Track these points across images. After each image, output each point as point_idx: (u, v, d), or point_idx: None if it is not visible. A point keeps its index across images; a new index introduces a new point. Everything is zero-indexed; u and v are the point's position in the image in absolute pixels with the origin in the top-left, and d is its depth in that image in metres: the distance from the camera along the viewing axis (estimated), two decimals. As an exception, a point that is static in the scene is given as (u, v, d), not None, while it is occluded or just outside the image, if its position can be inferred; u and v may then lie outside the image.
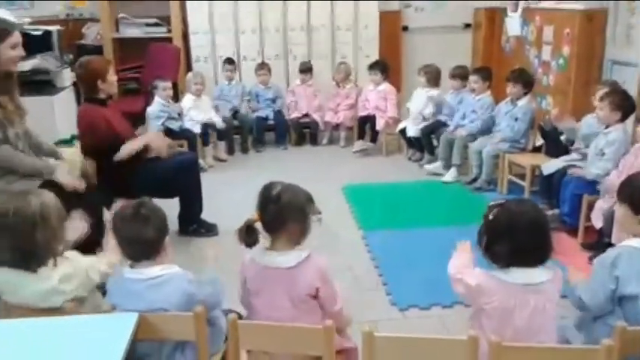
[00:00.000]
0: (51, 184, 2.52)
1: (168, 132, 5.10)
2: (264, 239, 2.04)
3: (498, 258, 1.91)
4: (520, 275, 1.89)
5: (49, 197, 2.04)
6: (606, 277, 2.02)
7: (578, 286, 2.09)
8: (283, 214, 1.97)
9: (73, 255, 2.12)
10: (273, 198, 1.98)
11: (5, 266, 1.97)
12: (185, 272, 1.98)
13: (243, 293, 2.10)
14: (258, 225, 2.03)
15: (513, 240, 1.87)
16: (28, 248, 1.95)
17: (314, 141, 6.03)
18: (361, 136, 5.81)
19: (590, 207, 3.57)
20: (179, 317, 1.88)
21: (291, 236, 2.00)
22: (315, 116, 5.97)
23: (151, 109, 5.11)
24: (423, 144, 5.39)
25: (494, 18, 6.42)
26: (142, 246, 1.93)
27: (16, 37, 2.78)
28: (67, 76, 4.97)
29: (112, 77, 3.52)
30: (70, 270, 2.03)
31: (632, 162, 3.38)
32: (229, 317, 1.87)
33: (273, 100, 6.01)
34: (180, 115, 5.32)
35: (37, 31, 4.98)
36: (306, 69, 5.97)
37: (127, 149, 3.49)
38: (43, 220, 1.97)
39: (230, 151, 5.79)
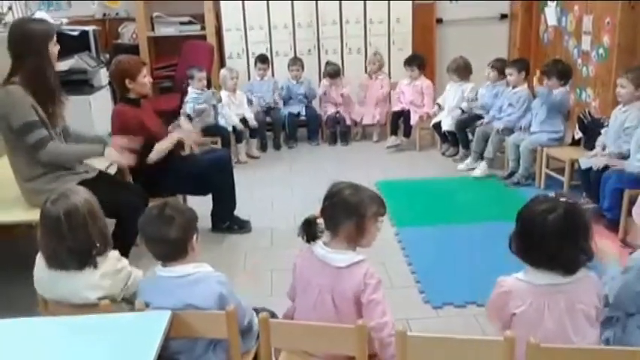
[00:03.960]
0: (85, 185, 2.56)
1: (203, 128, 5.14)
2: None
3: (527, 260, 1.87)
4: (545, 276, 1.82)
5: (87, 192, 2.08)
6: (635, 278, 1.94)
7: (608, 282, 2.01)
8: (336, 211, 1.96)
9: (117, 255, 2.15)
10: (331, 194, 1.98)
11: (64, 270, 2.00)
12: (218, 274, 1.98)
13: (293, 283, 2.10)
14: (321, 222, 2.02)
15: (542, 246, 1.79)
16: (85, 246, 1.99)
17: (344, 138, 5.98)
18: (394, 132, 5.74)
19: (632, 202, 3.45)
20: (211, 315, 1.88)
21: (347, 236, 1.96)
22: (344, 114, 5.90)
23: (186, 99, 5.18)
24: (458, 138, 5.31)
25: (532, 8, 6.25)
26: (167, 246, 1.93)
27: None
28: (104, 76, 5.03)
29: (144, 78, 3.47)
30: (113, 267, 2.07)
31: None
32: (261, 316, 1.86)
33: (305, 96, 5.98)
34: (219, 102, 5.31)
35: (74, 31, 5.07)
36: (334, 73, 5.85)
37: (158, 150, 3.49)
38: (91, 214, 2.02)
39: (262, 147, 5.79)
